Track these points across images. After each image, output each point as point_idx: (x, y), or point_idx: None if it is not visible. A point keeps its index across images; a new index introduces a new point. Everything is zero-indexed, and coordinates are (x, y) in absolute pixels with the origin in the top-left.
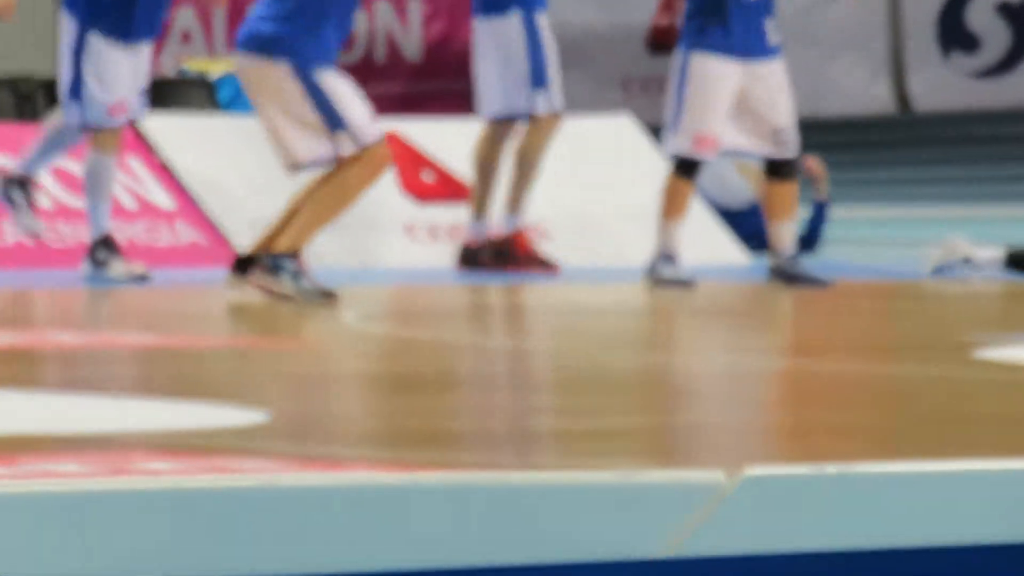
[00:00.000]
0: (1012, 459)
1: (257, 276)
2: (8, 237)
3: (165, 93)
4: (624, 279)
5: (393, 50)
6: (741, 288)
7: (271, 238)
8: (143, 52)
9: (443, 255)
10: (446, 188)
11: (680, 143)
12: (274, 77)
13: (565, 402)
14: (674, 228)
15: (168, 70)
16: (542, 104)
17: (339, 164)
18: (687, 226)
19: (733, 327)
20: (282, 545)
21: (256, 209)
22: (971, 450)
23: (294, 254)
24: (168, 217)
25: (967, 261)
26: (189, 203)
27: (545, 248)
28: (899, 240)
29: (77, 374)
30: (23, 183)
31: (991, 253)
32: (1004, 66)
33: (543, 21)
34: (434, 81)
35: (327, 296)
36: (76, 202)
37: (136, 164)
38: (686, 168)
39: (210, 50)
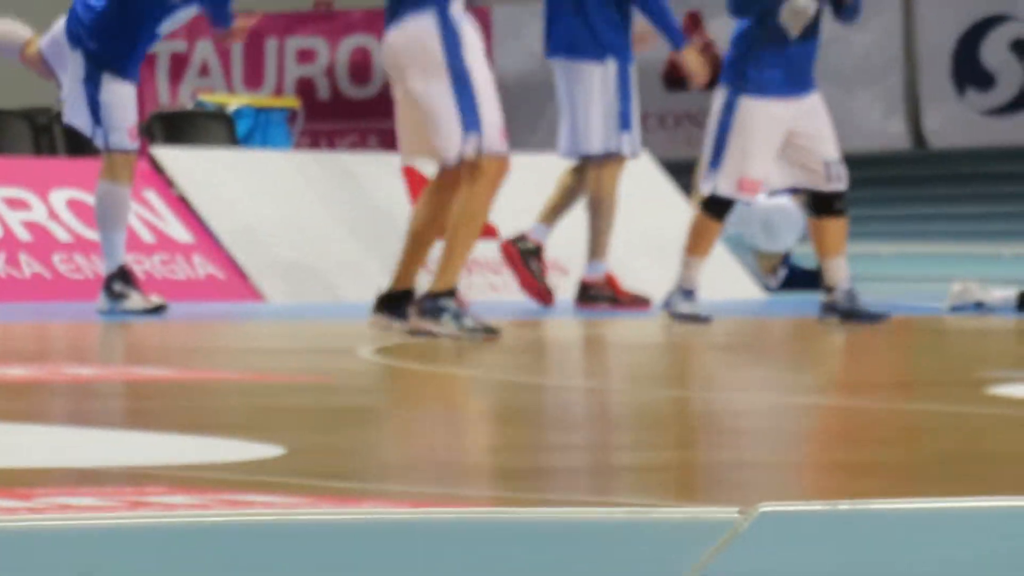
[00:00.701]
0: None
1: (417, 319)
2: (25, 269)
3: (183, 126)
4: (643, 314)
5: None
6: (758, 324)
7: (407, 275)
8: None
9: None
10: None
11: (723, 184)
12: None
13: (589, 437)
14: (697, 265)
15: (186, 102)
16: (627, 146)
17: (454, 177)
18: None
19: (753, 363)
20: None
21: (274, 244)
22: (987, 487)
23: (451, 292)
24: (185, 250)
25: (980, 305)
26: (207, 236)
27: (562, 282)
28: (915, 276)
29: (93, 407)
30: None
31: (1004, 293)
32: (1018, 103)
33: (632, 70)
34: None
35: (491, 332)
36: (93, 234)
37: (153, 197)
38: (718, 208)
39: (228, 84)
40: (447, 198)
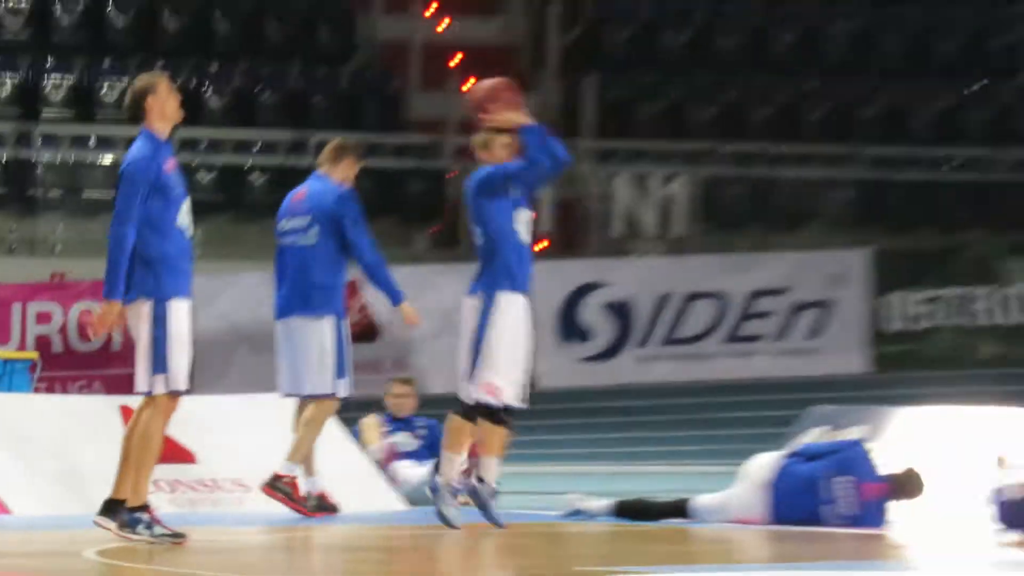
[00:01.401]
0: None
1: (117, 528)
2: None
3: None
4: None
5: None
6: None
7: (121, 486)
8: None
9: None
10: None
11: (476, 391)
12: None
13: None
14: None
15: None
16: (343, 389)
17: (146, 404)
18: (349, 474)
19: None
20: None
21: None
22: None
23: (144, 507)
24: None
25: (578, 512)
26: None
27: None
28: (529, 489)
29: None
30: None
31: (602, 503)
32: (608, 353)
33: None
34: None
35: (178, 537)
36: None
37: None
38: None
39: None
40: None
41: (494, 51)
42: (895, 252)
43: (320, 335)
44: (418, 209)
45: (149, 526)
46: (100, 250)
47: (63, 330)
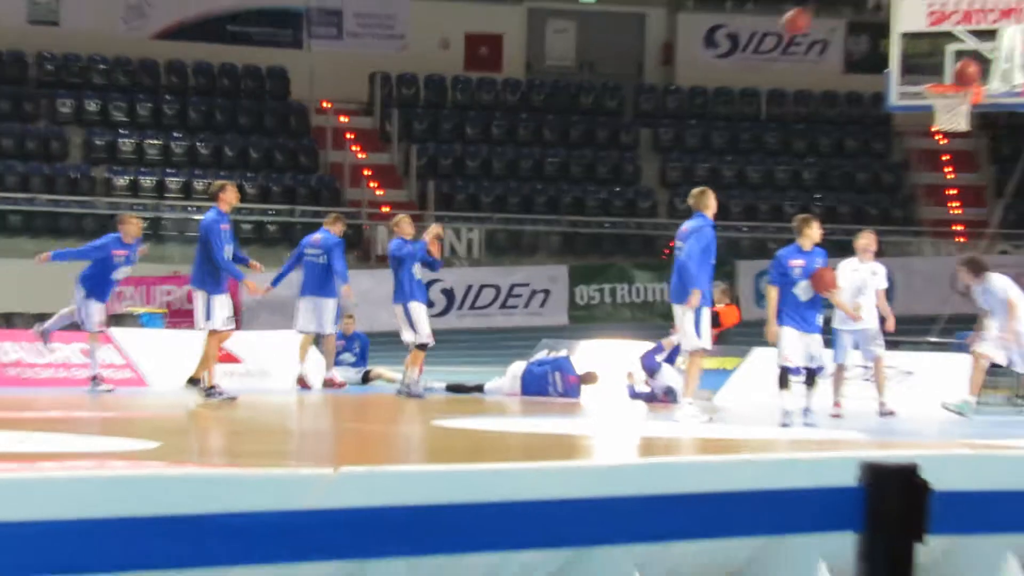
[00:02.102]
0: None
1: (199, 395)
2: None
3: None
4: None
5: None
6: None
7: (199, 371)
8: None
9: None
10: None
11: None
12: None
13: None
14: None
15: None
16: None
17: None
18: None
19: None
20: None
21: None
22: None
23: (213, 385)
24: None
25: (431, 388)
26: None
27: None
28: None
29: None
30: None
31: (441, 384)
32: (443, 313)
33: None
34: None
35: (233, 399)
36: None
37: None
38: None
39: None
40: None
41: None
42: (580, 267)
43: (325, 305)
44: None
45: (216, 394)
46: (187, 260)
47: (179, 299)
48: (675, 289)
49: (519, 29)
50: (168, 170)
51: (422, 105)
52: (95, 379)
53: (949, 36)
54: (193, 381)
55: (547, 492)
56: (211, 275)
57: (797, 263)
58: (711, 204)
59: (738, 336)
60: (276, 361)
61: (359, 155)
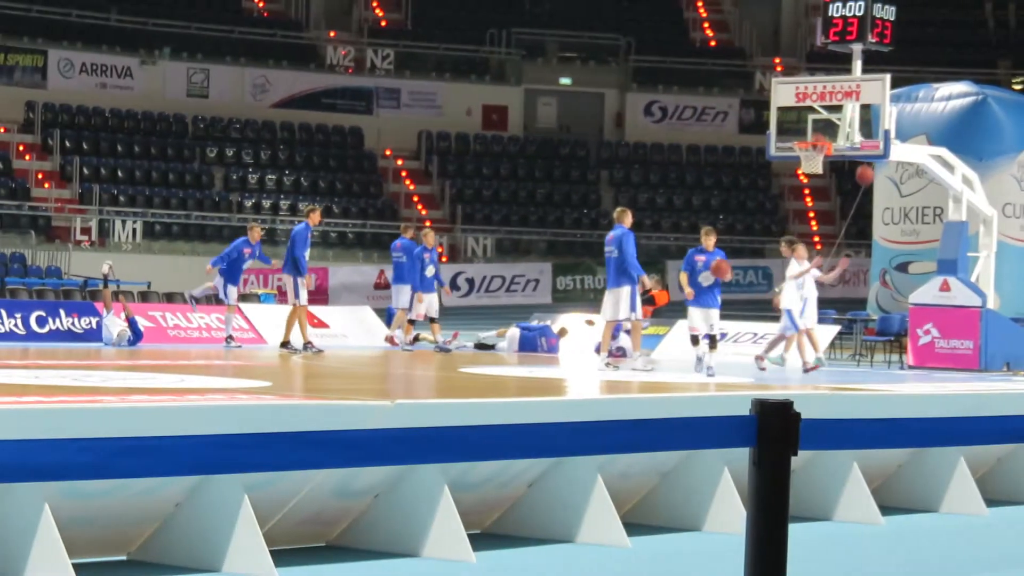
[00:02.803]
0: None
1: (290, 350)
2: None
3: None
4: None
5: None
6: None
7: (286, 335)
8: None
9: None
10: None
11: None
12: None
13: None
14: None
15: None
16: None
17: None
18: None
19: None
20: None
21: None
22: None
23: (291, 344)
24: None
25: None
26: None
27: None
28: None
29: None
30: None
31: (470, 344)
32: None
33: None
34: None
35: (320, 351)
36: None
37: None
38: None
39: None
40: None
41: None
42: (560, 264)
43: (402, 289)
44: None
45: (307, 349)
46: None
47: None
48: (611, 278)
49: (519, 102)
50: (281, 196)
51: (453, 153)
52: (229, 338)
53: (810, 109)
54: (284, 344)
55: (536, 418)
56: (296, 267)
57: (700, 258)
58: (627, 219)
59: (668, 312)
60: (352, 327)
61: (410, 187)
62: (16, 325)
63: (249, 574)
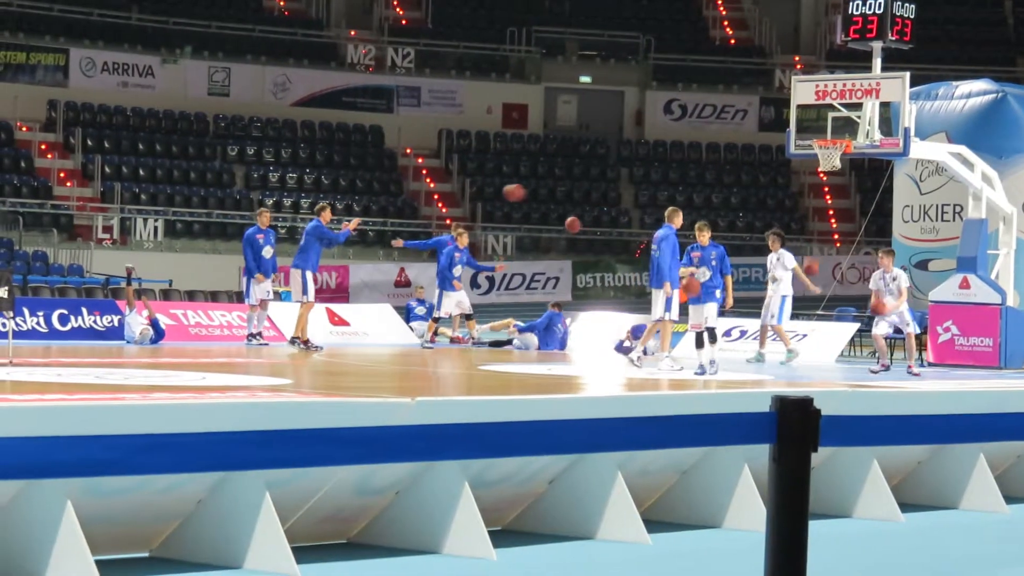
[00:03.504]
0: None
1: (292, 346)
2: None
3: None
4: None
5: None
6: None
7: (296, 329)
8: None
9: None
10: None
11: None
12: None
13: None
14: None
15: None
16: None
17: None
18: None
19: None
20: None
21: None
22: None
23: (307, 339)
24: None
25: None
26: None
27: None
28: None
29: None
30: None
31: (486, 340)
32: None
33: None
34: None
35: (319, 348)
36: None
37: None
38: None
39: None
40: None
41: None
42: (580, 261)
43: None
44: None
45: (308, 346)
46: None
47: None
48: (652, 278)
49: (539, 100)
50: (301, 194)
51: (473, 151)
52: (250, 336)
53: (830, 107)
54: (293, 340)
55: (556, 414)
56: (308, 260)
57: (696, 254)
58: (676, 219)
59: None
60: (372, 324)
61: (430, 184)
62: (39, 323)
63: (270, 571)
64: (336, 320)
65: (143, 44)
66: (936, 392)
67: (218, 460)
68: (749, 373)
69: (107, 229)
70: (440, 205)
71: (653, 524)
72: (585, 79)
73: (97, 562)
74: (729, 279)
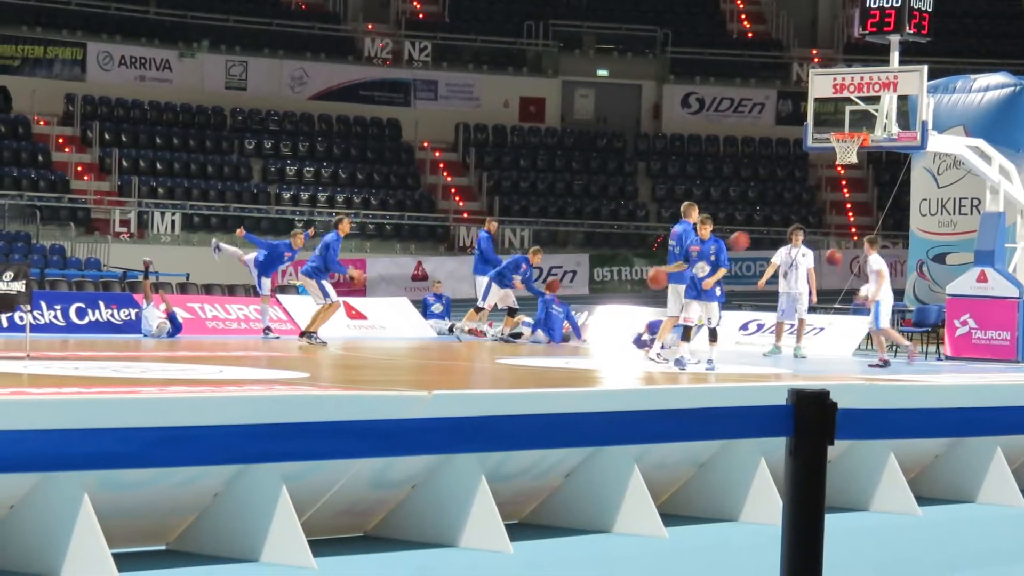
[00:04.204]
0: None
1: (301, 340)
2: None
3: None
4: None
5: None
6: None
7: (310, 326)
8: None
9: None
10: None
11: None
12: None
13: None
14: None
15: None
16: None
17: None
18: None
19: None
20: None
21: None
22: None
23: (314, 332)
24: None
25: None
26: None
27: None
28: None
29: None
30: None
31: (495, 331)
32: None
33: None
34: None
35: (325, 343)
36: None
37: None
38: None
39: None
40: None
41: None
42: (597, 255)
43: (479, 282)
44: (441, 237)
45: (314, 339)
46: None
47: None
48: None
49: (556, 94)
50: (319, 188)
51: (490, 145)
52: (267, 330)
53: (847, 100)
54: (303, 334)
55: (573, 407)
56: (321, 270)
57: (695, 248)
58: (692, 214)
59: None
60: (390, 318)
61: (447, 178)
62: (56, 317)
63: (287, 564)
64: (353, 314)
65: (160, 38)
66: (953, 385)
67: (235, 453)
68: (765, 367)
69: (124, 223)
70: (457, 199)
71: (670, 517)
72: (602, 73)
73: (114, 555)
74: (722, 272)
